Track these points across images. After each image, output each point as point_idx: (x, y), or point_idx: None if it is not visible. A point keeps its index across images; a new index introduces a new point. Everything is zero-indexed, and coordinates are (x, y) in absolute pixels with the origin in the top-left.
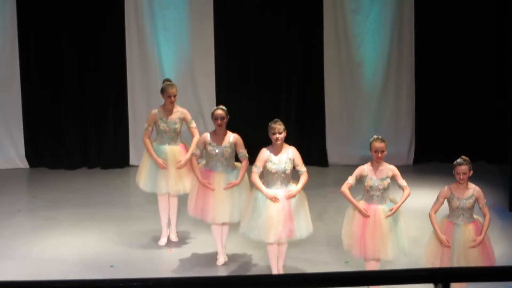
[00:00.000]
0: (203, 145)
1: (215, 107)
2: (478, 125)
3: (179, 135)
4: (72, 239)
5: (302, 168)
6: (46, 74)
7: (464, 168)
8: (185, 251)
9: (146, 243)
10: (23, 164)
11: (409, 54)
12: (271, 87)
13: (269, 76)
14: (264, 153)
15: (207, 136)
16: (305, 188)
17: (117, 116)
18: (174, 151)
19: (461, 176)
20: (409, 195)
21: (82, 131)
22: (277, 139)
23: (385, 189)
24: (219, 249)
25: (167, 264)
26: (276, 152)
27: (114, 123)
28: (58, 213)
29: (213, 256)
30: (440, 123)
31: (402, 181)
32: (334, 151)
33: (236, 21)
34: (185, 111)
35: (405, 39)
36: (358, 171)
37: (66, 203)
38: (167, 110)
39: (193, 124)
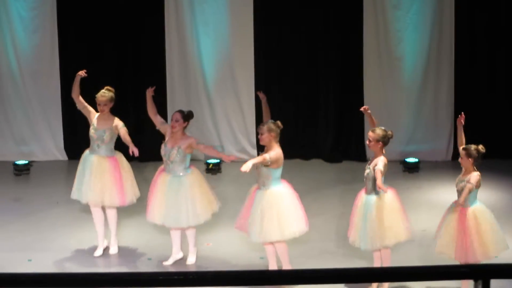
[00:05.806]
0: (164, 130)
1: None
2: None
3: (108, 146)
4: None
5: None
6: (85, 67)
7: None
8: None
9: (184, 237)
10: (62, 156)
11: (449, 49)
12: (310, 82)
13: (308, 71)
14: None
15: (167, 133)
16: (343, 182)
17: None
18: (101, 162)
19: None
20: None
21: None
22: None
23: (366, 178)
24: (173, 251)
25: (206, 259)
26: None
27: None
28: None
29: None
30: (480, 118)
31: (377, 166)
32: None
33: (276, 16)
34: (117, 121)
35: (445, 35)
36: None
37: None
38: (100, 117)
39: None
